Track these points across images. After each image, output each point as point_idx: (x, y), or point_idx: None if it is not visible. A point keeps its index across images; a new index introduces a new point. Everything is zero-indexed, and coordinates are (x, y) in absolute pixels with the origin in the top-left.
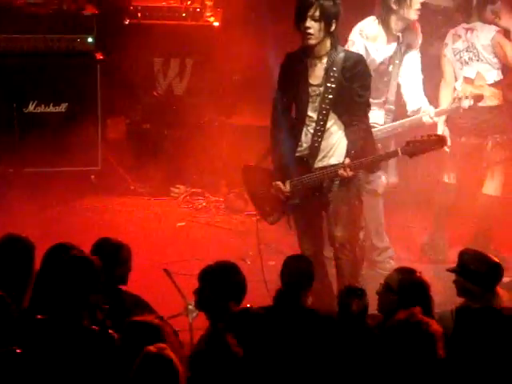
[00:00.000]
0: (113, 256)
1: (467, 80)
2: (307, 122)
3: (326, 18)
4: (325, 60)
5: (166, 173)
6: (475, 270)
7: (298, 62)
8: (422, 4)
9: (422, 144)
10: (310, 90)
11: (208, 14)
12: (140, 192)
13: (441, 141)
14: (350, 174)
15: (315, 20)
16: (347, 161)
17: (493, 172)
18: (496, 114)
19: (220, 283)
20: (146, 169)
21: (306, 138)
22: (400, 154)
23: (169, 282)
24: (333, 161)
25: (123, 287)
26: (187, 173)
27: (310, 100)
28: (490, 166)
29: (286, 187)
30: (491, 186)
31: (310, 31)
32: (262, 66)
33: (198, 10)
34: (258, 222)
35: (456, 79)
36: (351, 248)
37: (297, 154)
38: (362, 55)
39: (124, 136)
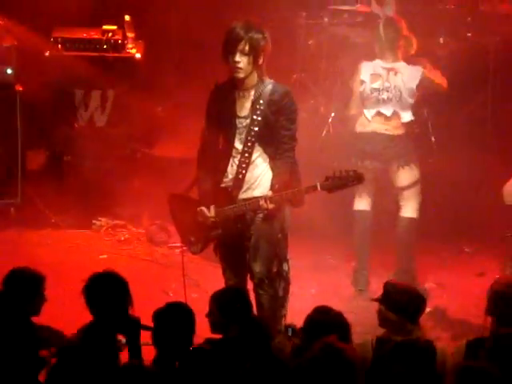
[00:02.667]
0: (25, 287)
1: (382, 116)
2: (233, 154)
3: (255, 52)
4: (252, 92)
5: (88, 205)
6: (397, 300)
7: (226, 94)
8: (341, 36)
9: (340, 180)
10: (237, 121)
11: (130, 46)
12: (61, 225)
13: (358, 177)
14: (271, 206)
15: (244, 54)
16: (269, 193)
17: (406, 195)
18: (397, 142)
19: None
20: (66, 201)
21: (231, 169)
22: (319, 188)
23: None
24: (257, 193)
25: (35, 318)
26: (109, 205)
27: (237, 132)
28: (401, 189)
29: (211, 213)
30: (408, 209)
31: (240, 65)
32: (183, 98)
33: (120, 41)
34: (183, 253)
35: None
36: (270, 283)
37: (222, 185)
38: (288, 88)
39: (44, 168)
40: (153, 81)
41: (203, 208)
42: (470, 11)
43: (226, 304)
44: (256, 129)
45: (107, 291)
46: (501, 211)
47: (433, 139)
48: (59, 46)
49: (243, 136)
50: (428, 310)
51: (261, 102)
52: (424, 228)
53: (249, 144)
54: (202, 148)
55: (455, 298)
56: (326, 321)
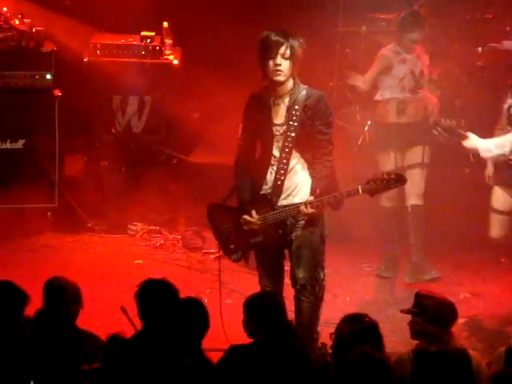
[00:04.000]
0: (58, 296)
1: None
2: (272, 162)
3: (295, 58)
4: (287, 99)
5: (124, 210)
6: (436, 313)
7: (261, 102)
8: (379, 44)
9: (381, 182)
10: (273, 129)
11: (167, 52)
12: (97, 229)
13: (400, 179)
14: (311, 211)
15: (285, 58)
16: (310, 198)
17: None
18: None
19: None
20: (103, 206)
21: (270, 177)
22: (360, 192)
23: (126, 320)
24: (297, 199)
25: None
26: (145, 210)
27: (275, 139)
28: None
29: (254, 217)
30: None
31: (281, 68)
32: (220, 104)
33: (158, 48)
34: (220, 259)
35: None
36: (312, 290)
37: (261, 192)
38: (323, 93)
39: (82, 173)
40: (190, 87)
41: (246, 216)
42: (510, 21)
43: (256, 308)
44: (293, 135)
45: (159, 299)
46: None
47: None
48: (98, 51)
49: (280, 143)
50: (463, 320)
51: (296, 107)
52: (461, 238)
53: (286, 150)
54: (239, 157)
55: (491, 308)
56: (358, 328)
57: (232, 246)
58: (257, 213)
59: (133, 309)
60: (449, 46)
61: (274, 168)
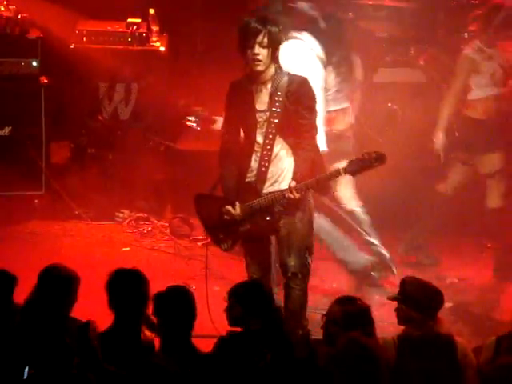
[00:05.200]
0: (64, 286)
1: None
2: (256, 148)
3: (274, 45)
4: (269, 85)
5: (111, 197)
6: (419, 299)
7: (243, 90)
8: (365, 30)
9: (363, 162)
10: (256, 115)
11: (154, 39)
12: (84, 217)
13: (380, 157)
14: (297, 196)
15: (263, 47)
16: (293, 183)
17: None
18: None
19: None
20: (90, 193)
21: (254, 164)
22: (342, 173)
23: None
24: (283, 186)
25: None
26: (132, 197)
27: (258, 126)
28: None
29: (237, 210)
30: None
31: (259, 57)
32: (207, 91)
33: (144, 34)
34: (207, 247)
35: None
36: (303, 277)
37: (246, 180)
38: (306, 77)
39: (68, 160)
40: (176, 74)
41: (228, 206)
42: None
43: (248, 297)
44: (276, 121)
45: (129, 289)
46: None
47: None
48: (84, 38)
49: (264, 130)
50: (450, 304)
51: (278, 93)
52: (446, 223)
53: (270, 137)
54: (223, 146)
55: (477, 293)
56: (350, 310)
57: (221, 236)
58: (243, 201)
59: None
60: (435, 32)
61: (258, 155)
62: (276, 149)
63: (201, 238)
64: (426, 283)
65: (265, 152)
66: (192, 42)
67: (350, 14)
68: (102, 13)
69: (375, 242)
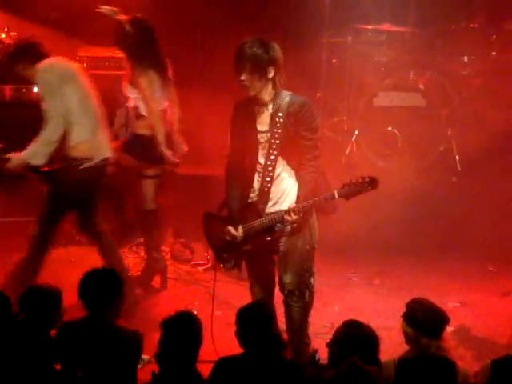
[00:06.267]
0: (44, 304)
1: None
2: (258, 169)
3: (259, 69)
4: (271, 106)
5: (112, 223)
6: (413, 314)
7: (246, 110)
8: (365, 54)
9: (356, 186)
10: (258, 136)
11: None
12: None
13: (373, 182)
14: (295, 218)
15: (248, 73)
16: (292, 205)
17: None
18: None
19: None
20: None
21: (257, 184)
22: (337, 196)
23: None
24: (284, 206)
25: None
26: (132, 223)
27: (260, 147)
28: None
29: (239, 232)
30: None
31: (246, 83)
32: (208, 116)
33: None
34: (216, 268)
35: None
36: (300, 295)
37: (249, 200)
38: (306, 98)
39: None
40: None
41: (230, 227)
42: (495, 30)
43: (245, 319)
44: (277, 142)
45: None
46: None
47: (457, 158)
48: (85, 64)
49: (265, 150)
50: (452, 329)
51: (280, 114)
52: (448, 247)
53: (271, 158)
54: (228, 166)
55: (479, 317)
56: (357, 334)
57: (225, 255)
58: (245, 220)
59: (121, 320)
60: (434, 56)
61: (261, 175)
62: (278, 170)
63: (202, 262)
64: (432, 305)
65: (266, 173)
66: (194, 69)
67: (349, 38)
68: (102, 39)
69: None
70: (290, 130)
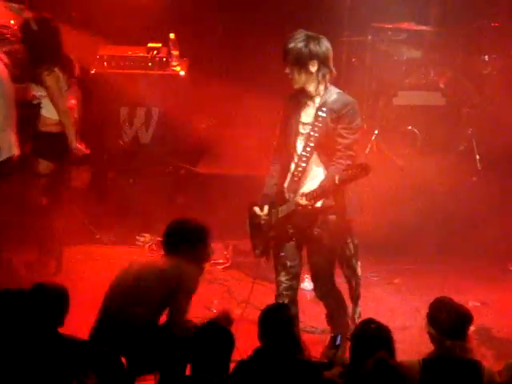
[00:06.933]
0: (52, 301)
1: None
2: (295, 159)
3: (300, 62)
4: (317, 100)
5: (132, 221)
6: (435, 315)
7: (294, 101)
8: (385, 53)
9: (351, 172)
10: (300, 127)
11: (174, 64)
12: (105, 241)
13: (366, 168)
14: (305, 203)
15: (292, 65)
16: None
17: None
18: None
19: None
20: (111, 217)
21: (290, 174)
22: (337, 182)
23: None
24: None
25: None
26: (153, 221)
27: (299, 137)
28: None
29: (263, 211)
30: None
31: (290, 76)
32: (227, 115)
33: (164, 59)
34: (259, 259)
35: None
36: (329, 295)
37: (281, 188)
38: (353, 100)
39: (89, 185)
40: (197, 98)
41: (256, 208)
42: None
43: (263, 322)
44: (316, 135)
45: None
46: None
47: (477, 157)
48: (105, 63)
49: (303, 142)
50: (472, 328)
51: (323, 109)
52: (469, 246)
53: (307, 149)
54: (274, 154)
55: (500, 316)
56: (372, 332)
57: (257, 241)
58: (273, 206)
59: None
60: (455, 55)
61: (294, 165)
62: (311, 162)
63: (221, 261)
64: (456, 306)
65: (300, 163)
66: (212, 66)
67: (369, 37)
68: (122, 38)
69: None
70: (329, 127)
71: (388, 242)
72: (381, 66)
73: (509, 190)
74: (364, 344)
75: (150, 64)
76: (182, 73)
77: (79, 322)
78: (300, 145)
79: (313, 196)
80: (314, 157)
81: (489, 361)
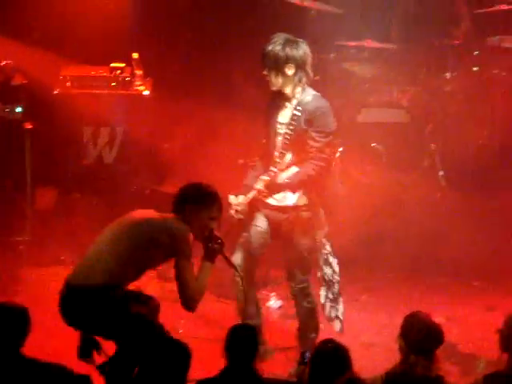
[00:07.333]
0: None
1: None
2: (273, 158)
3: (277, 65)
4: (294, 101)
5: None
6: (404, 326)
7: (274, 102)
8: (348, 71)
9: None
10: (277, 127)
11: (138, 83)
12: (71, 262)
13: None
14: (259, 187)
15: (269, 68)
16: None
17: None
18: None
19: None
20: (76, 238)
21: (268, 172)
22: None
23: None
24: (288, 196)
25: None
26: None
27: (277, 136)
28: None
29: (238, 200)
30: None
31: (267, 79)
32: (191, 134)
33: (128, 79)
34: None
35: None
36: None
37: None
38: (326, 103)
39: (53, 205)
40: (161, 117)
41: (231, 196)
42: (477, 46)
43: (226, 340)
44: (292, 133)
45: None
46: (510, 245)
47: (441, 173)
48: (68, 83)
49: (280, 141)
50: None
51: (299, 108)
52: (433, 262)
53: (283, 148)
54: (259, 153)
55: (465, 332)
56: (329, 352)
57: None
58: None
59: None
60: (418, 72)
61: (272, 163)
62: (286, 161)
63: None
64: (428, 324)
65: (277, 160)
66: (176, 85)
67: (332, 55)
68: (85, 58)
69: None
70: (303, 127)
71: (354, 258)
72: (344, 84)
73: (472, 206)
74: (322, 364)
75: (113, 84)
76: (146, 92)
77: (40, 343)
78: (278, 144)
79: (270, 184)
80: (290, 155)
81: (455, 377)
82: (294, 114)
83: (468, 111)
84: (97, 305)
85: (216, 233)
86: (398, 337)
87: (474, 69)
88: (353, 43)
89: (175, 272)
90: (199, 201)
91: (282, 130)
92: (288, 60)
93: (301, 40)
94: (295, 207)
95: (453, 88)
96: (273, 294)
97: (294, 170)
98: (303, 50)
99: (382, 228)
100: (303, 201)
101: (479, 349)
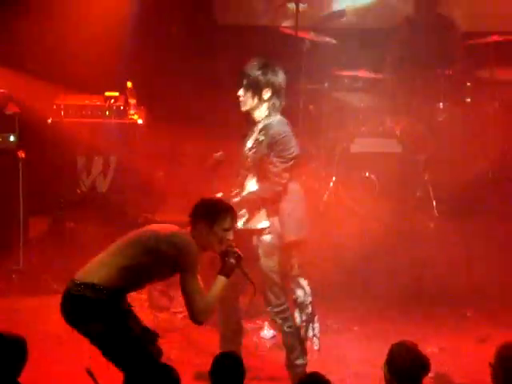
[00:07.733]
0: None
1: None
2: (241, 183)
3: (254, 88)
4: (260, 125)
5: None
6: (389, 355)
7: (248, 126)
8: (342, 101)
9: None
10: (246, 150)
11: (132, 112)
12: (62, 291)
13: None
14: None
15: (245, 89)
16: (220, 194)
17: None
18: None
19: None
20: (68, 268)
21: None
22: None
23: (92, 383)
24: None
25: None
26: None
27: (246, 159)
28: None
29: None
30: None
31: (240, 99)
32: (186, 163)
33: (122, 108)
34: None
35: None
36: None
37: None
38: (288, 128)
39: (46, 234)
40: (155, 146)
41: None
42: (469, 77)
43: (211, 370)
44: (254, 156)
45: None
46: (503, 276)
47: (434, 204)
48: (62, 112)
49: (246, 163)
50: (431, 375)
51: (263, 132)
52: (426, 293)
53: (246, 173)
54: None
55: (458, 363)
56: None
57: None
58: None
59: (100, 370)
60: (411, 102)
61: (238, 183)
62: (248, 186)
63: (180, 310)
64: (415, 353)
65: (241, 180)
66: (170, 114)
67: (325, 84)
68: (79, 87)
69: None
70: (263, 152)
71: (348, 288)
72: (338, 114)
73: (466, 237)
74: None
75: (107, 113)
76: (140, 121)
77: (33, 374)
78: (244, 169)
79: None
80: (251, 177)
81: None
82: (257, 138)
83: (461, 141)
84: (93, 304)
85: (234, 247)
86: (384, 365)
87: (467, 100)
88: (347, 73)
89: (181, 285)
90: (211, 213)
91: (247, 153)
92: (267, 84)
93: (278, 67)
94: (257, 231)
95: (445, 118)
96: (266, 323)
97: (249, 189)
98: (281, 76)
99: (376, 258)
100: (265, 224)
101: (472, 381)
